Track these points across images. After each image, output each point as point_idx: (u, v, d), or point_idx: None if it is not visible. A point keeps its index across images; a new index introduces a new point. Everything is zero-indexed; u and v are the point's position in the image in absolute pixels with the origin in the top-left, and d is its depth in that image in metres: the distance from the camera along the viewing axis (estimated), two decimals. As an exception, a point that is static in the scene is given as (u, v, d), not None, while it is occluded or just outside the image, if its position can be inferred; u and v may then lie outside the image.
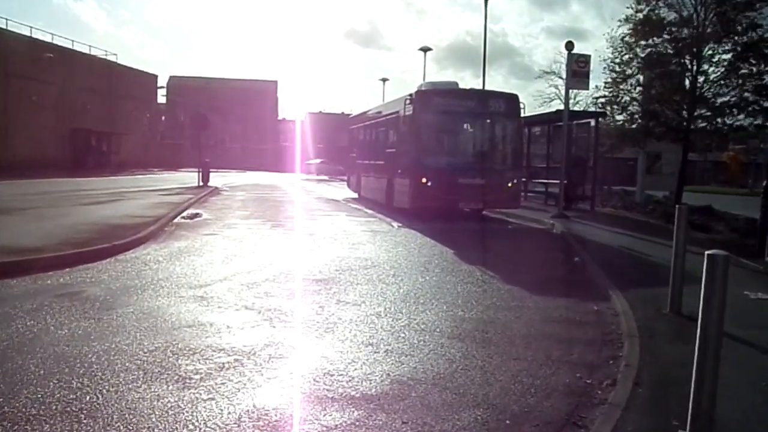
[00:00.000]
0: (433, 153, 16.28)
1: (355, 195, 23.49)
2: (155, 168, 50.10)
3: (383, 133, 19.74)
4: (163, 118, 76.01)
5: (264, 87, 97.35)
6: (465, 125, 17.03)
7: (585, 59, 17.95)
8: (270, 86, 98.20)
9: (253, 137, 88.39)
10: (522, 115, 17.05)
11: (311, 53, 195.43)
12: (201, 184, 27.38)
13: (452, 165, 16.13)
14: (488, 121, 16.70)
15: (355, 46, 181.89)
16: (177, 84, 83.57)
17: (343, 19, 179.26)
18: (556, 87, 35.54)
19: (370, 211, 18.24)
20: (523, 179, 19.50)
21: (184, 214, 15.49)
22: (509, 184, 16.62)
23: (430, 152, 16.17)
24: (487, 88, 25.82)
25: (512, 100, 16.78)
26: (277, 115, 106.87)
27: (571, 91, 19.83)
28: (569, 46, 17.72)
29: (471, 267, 9.40)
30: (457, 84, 18.15)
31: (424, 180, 15.96)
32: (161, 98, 71.83)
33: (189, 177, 31.01)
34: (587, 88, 18.66)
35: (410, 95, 16.52)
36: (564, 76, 18.24)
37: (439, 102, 16.40)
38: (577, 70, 17.66)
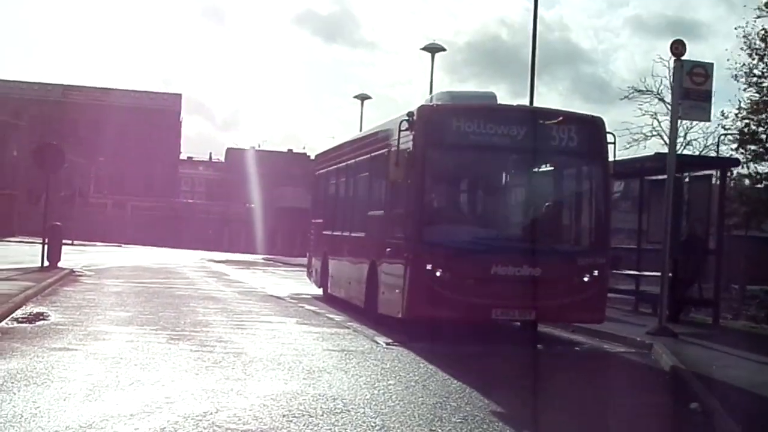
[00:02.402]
0: (448, 218, 13.19)
1: (319, 290, 19.62)
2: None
3: (364, 183, 16.06)
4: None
5: (160, 103, 77.76)
6: (507, 170, 13.83)
7: (704, 70, 13.51)
8: (169, 103, 78.89)
9: (137, 187, 71.60)
10: (612, 154, 13.08)
11: (239, 51, 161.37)
12: (47, 264, 22.66)
13: (482, 241, 12.64)
14: (551, 163, 13.62)
15: (313, 40, 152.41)
16: (9, 95, 66.48)
17: None
18: (654, 116, 27.33)
19: (339, 317, 15.36)
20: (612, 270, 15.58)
21: (19, 313, 13.32)
22: (585, 278, 12.61)
23: (441, 217, 13.10)
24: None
25: (594, 127, 13.03)
26: (179, 152, 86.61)
27: (680, 123, 16.52)
28: (678, 48, 13.44)
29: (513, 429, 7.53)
30: (494, 96, 14.39)
31: (429, 267, 12.21)
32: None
33: (25, 252, 27.47)
34: (708, 119, 14.73)
35: (410, 115, 12.87)
36: (667, 98, 15.96)
37: (460, 127, 12.60)
38: (692, 88, 13.31)
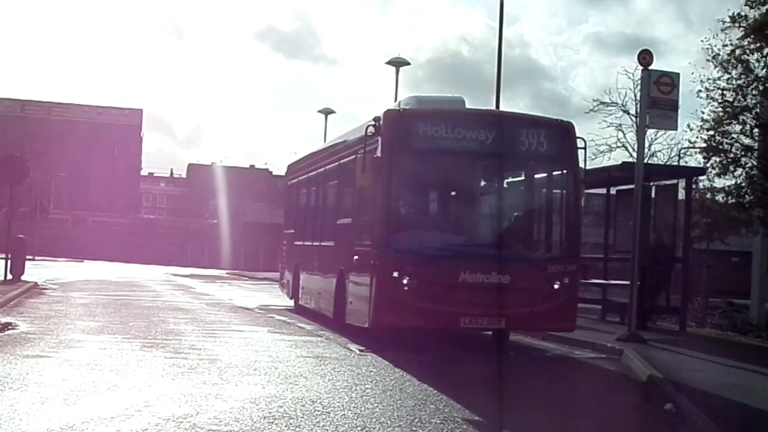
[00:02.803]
0: (415, 225, 12.77)
1: (290, 302, 19.05)
2: None
3: (333, 191, 15.63)
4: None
5: (120, 119, 76.78)
6: (475, 175, 13.48)
7: (671, 80, 13.51)
8: (130, 118, 77.78)
9: (98, 203, 69.90)
10: (582, 160, 12.60)
11: (200, 67, 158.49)
12: (10, 277, 22.05)
13: (449, 248, 12.08)
14: (519, 167, 13.29)
15: (274, 56, 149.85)
16: None
17: (255, 9, 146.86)
18: (619, 127, 26.78)
19: (310, 327, 15.09)
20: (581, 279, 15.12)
21: None
22: (556, 286, 12.15)
23: (408, 223, 12.65)
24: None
25: (564, 132, 12.59)
26: (140, 167, 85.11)
27: (647, 133, 16.83)
28: (645, 58, 13.48)
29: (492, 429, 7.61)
30: (462, 101, 13.80)
31: (396, 275, 11.71)
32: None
33: None
34: (675, 128, 14.64)
35: (376, 119, 12.40)
36: (632, 109, 16.52)
37: (428, 132, 12.12)
38: (659, 97, 13.22)
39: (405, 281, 11.65)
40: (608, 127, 26.66)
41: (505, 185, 13.46)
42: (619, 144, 26.48)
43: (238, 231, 62.22)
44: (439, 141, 12.09)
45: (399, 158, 12.10)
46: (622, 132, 26.25)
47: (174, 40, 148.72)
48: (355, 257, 12.84)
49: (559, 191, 12.94)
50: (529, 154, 12.52)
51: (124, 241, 61.38)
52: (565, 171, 12.64)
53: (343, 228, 14.16)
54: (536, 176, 13.24)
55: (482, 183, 13.68)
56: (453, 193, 13.91)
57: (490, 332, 13.94)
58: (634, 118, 24.74)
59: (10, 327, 12.79)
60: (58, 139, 67.81)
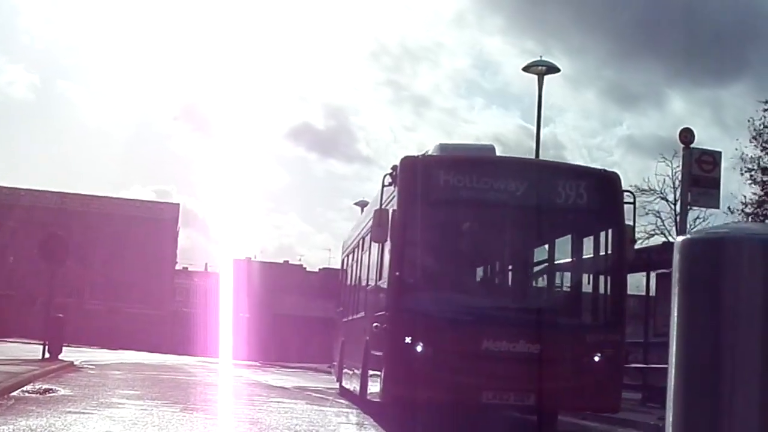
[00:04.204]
0: (433, 285, 11.05)
1: (335, 384, 18.10)
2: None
3: (365, 257, 14.25)
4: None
5: (156, 213, 77.35)
6: (504, 230, 11.80)
7: (712, 158, 13.41)
8: (166, 212, 78.47)
9: (133, 295, 69.51)
10: (631, 218, 11.23)
11: (236, 162, 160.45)
12: (47, 356, 21.77)
13: (472, 311, 10.60)
14: (555, 222, 11.55)
15: (306, 155, 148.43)
16: (7, 200, 66.75)
17: (288, 110, 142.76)
18: (658, 214, 26.87)
19: (345, 401, 14.78)
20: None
21: (28, 387, 13.16)
22: (596, 357, 10.45)
23: (425, 283, 10.96)
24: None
25: (608, 183, 11.15)
26: (175, 261, 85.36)
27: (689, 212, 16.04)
28: (686, 136, 13.36)
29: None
30: (492, 149, 12.66)
31: (409, 340, 10.10)
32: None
33: (23, 349, 26.82)
34: (717, 206, 14.26)
35: (393, 168, 11.08)
36: (670, 196, 16.15)
37: (449, 181, 10.82)
38: (701, 175, 13.05)
39: (419, 348, 10.13)
40: (647, 214, 26.79)
41: (537, 242, 12.05)
42: (657, 231, 26.67)
43: (271, 323, 61.39)
44: (462, 192, 10.83)
45: (416, 210, 10.70)
46: (660, 219, 26.49)
47: (209, 136, 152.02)
48: (375, 324, 11.56)
49: (600, 249, 11.29)
50: (567, 208, 11.09)
51: (158, 332, 61.14)
52: (608, 227, 11.04)
53: (368, 294, 13.10)
54: (574, 232, 11.79)
55: (511, 239, 12.17)
56: (478, 251, 12.53)
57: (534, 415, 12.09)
58: (672, 205, 25.22)
59: (51, 391, 13.11)
60: (95, 231, 67.46)
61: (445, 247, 11.91)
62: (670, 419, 2.20)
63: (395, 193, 10.89)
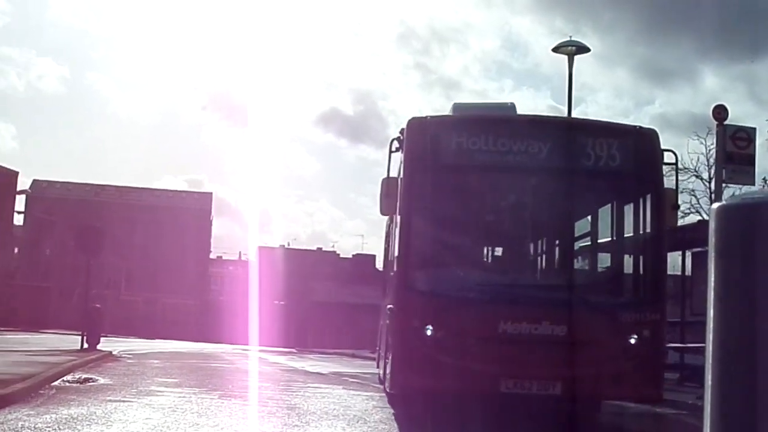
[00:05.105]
0: (444, 260, 9.83)
1: (378, 369, 16.41)
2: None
3: (391, 234, 12.84)
4: (16, 249, 61.28)
5: (190, 203, 77.64)
6: (524, 198, 10.51)
7: (747, 134, 13.33)
8: (200, 202, 78.68)
9: (168, 285, 69.91)
10: (673, 180, 10.19)
11: (267, 150, 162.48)
12: (86, 346, 21.82)
13: (487, 289, 9.40)
14: (584, 187, 10.06)
15: (336, 141, 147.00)
16: (44, 193, 65.76)
17: (316, 96, 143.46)
18: (692, 193, 26.76)
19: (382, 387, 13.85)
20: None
21: (68, 377, 13.25)
22: (632, 340, 9.08)
23: (435, 259, 9.79)
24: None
25: (644, 140, 9.72)
26: (209, 251, 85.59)
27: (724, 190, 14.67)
28: (720, 113, 13.24)
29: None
30: (513, 107, 11.32)
31: (417, 323, 9.03)
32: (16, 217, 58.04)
33: (62, 340, 27.17)
34: (753, 183, 13.84)
35: (401, 132, 9.86)
36: (704, 174, 15.42)
37: (462, 144, 9.48)
38: (735, 152, 13.01)
39: (428, 331, 9.00)
40: (681, 192, 26.23)
41: (562, 211, 10.28)
42: (692, 210, 26.54)
43: (306, 310, 62.56)
44: (476, 155, 9.48)
45: (423, 177, 9.56)
46: (695, 197, 26.43)
47: (237, 125, 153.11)
48: (389, 306, 10.47)
49: (636, 218, 9.80)
50: (598, 171, 9.61)
51: (194, 322, 62.57)
52: (646, 192, 9.59)
53: (388, 273, 12.23)
54: (607, 199, 10.39)
55: (532, 208, 10.63)
56: (494, 222, 11.06)
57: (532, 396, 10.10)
58: (707, 183, 25.17)
59: (91, 381, 13.24)
60: (130, 222, 68.58)
61: (458, 218, 10.42)
62: (709, 397, 2.11)
63: (403, 160, 9.68)
